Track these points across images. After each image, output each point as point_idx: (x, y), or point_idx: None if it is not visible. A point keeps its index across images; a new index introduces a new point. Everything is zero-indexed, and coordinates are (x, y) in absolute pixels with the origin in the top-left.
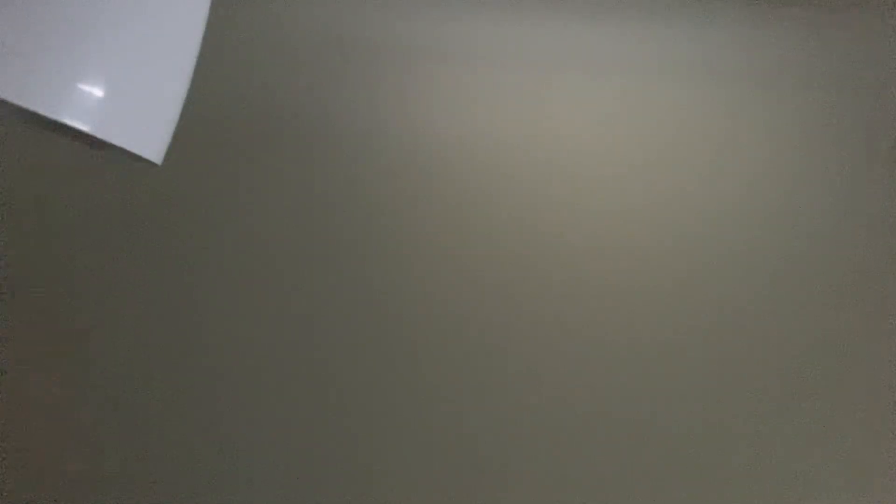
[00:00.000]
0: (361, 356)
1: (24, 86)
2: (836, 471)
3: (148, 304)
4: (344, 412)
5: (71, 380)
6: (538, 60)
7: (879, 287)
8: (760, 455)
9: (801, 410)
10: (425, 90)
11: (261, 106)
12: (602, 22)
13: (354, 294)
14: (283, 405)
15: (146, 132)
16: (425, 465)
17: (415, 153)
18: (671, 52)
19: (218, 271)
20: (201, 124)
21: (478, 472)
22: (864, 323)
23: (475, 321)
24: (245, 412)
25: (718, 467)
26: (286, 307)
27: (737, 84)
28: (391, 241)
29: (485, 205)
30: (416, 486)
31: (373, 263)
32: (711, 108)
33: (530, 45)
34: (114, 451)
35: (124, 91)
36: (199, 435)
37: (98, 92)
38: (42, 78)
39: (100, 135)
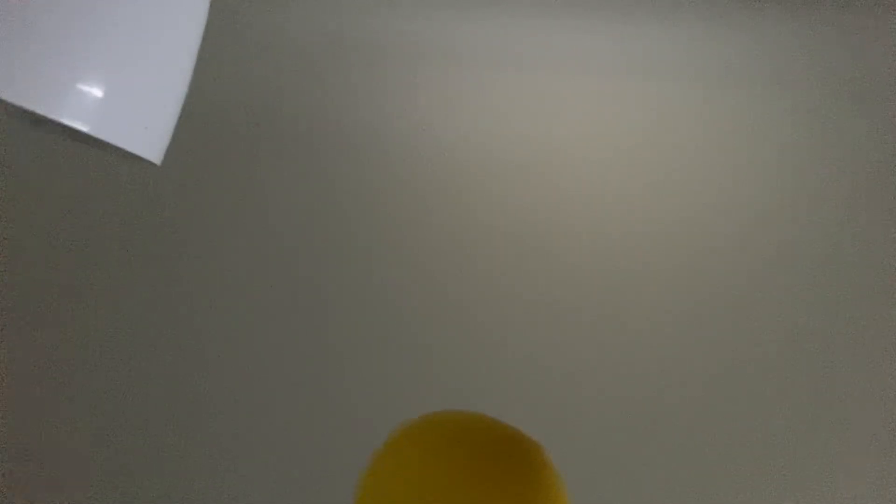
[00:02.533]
0: (364, 354)
1: (24, 86)
2: (834, 466)
3: (148, 303)
4: (346, 412)
5: (71, 379)
6: (540, 62)
7: (877, 283)
8: (757, 448)
9: (796, 407)
10: (428, 91)
11: (261, 106)
12: (603, 23)
13: (357, 291)
14: (286, 405)
15: (146, 132)
16: None
17: (417, 153)
18: (672, 53)
19: (218, 271)
20: (201, 124)
21: None
22: (862, 319)
23: (478, 319)
24: (246, 411)
25: (717, 464)
26: (288, 306)
27: (735, 84)
28: (393, 239)
29: (487, 202)
30: None
31: (374, 262)
32: (711, 107)
33: (533, 46)
34: (114, 451)
35: (124, 91)
36: (200, 434)
37: (98, 92)
38: (42, 78)
39: (100, 135)
